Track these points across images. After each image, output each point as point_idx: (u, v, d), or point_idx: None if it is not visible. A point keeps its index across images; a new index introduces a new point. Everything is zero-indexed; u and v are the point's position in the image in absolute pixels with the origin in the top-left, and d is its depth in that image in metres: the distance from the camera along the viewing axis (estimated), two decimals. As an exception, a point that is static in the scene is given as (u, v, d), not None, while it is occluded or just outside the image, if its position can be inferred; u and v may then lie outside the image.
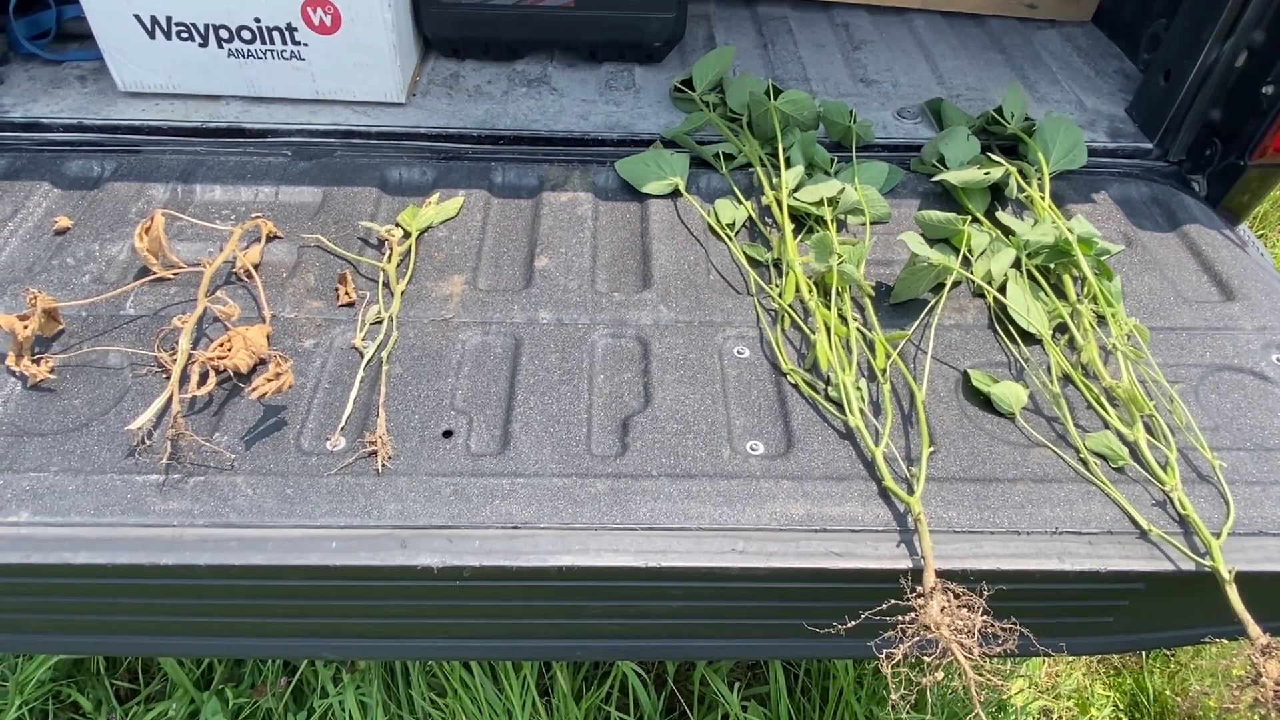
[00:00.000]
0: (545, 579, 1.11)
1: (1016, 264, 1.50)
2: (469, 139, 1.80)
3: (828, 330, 1.36)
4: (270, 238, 1.55)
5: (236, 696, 1.93)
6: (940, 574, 1.05)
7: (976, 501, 1.19)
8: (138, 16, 1.70)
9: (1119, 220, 1.70)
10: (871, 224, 1.65)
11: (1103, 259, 1.49)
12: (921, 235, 1.54)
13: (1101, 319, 1.44)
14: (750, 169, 1.75)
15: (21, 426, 1.22)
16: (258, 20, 1.71)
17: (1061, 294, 1.48)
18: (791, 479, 1.20)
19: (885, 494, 1.18)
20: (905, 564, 1.11)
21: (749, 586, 1.14)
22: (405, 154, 1.76)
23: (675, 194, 1.70)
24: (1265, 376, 1.39)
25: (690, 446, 1.24)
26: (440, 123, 1.82)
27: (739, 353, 1.39)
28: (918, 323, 1.45)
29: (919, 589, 1.03)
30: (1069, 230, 1.48)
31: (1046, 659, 2.14)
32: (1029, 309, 1.42)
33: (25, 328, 1.27)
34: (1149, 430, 1.28)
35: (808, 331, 1.40)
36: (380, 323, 1.40)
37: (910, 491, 1.18)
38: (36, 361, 1.29)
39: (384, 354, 1.35)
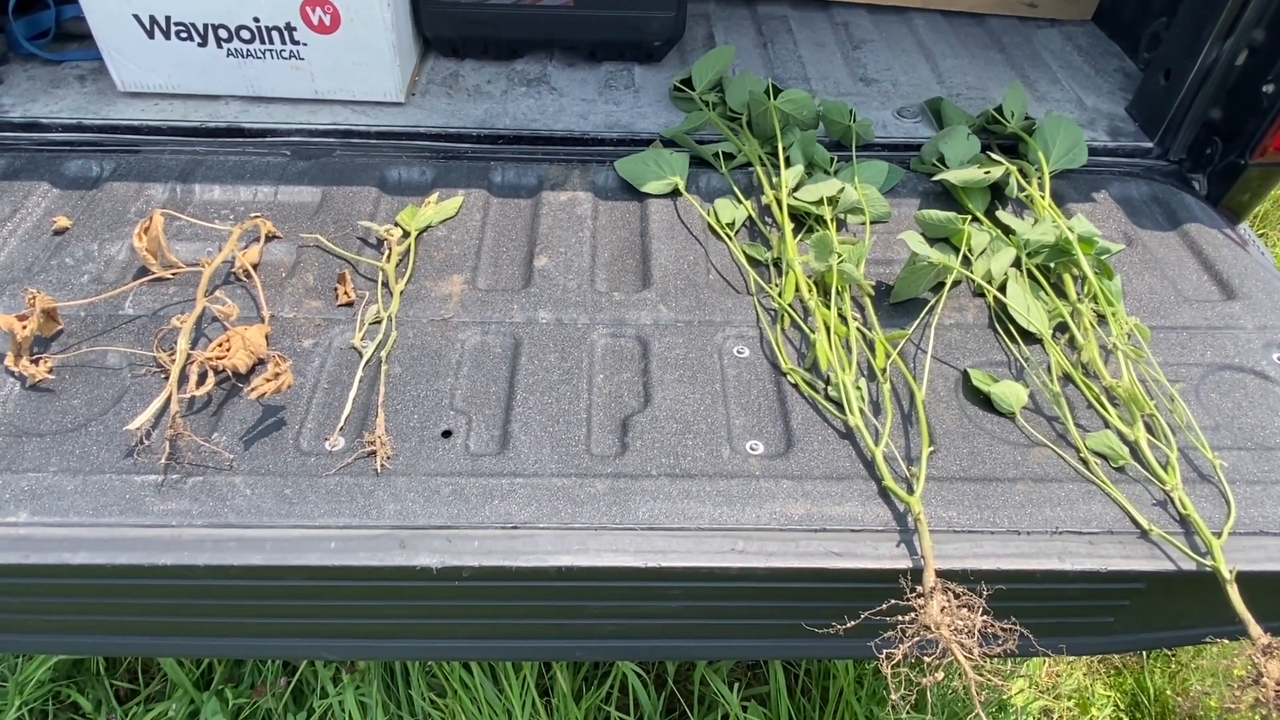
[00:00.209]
0: (544, 579, 1.11)
1: (1016, 263, 1.50)
2: (468, 138, 1.79)
3: (827, 330, 1.36)
4: (269, 237, 1.55)
5: (236, 697, 1.93)
6: (940, 574, 1.04)
7: (977, 501, 1.18)
8: (137, 16, 1.70)
9: (1119, 219, 1.70)
10: (871, 223, 1.64)
11: (1103, 258, 1.48)
12: (921, 234, 1.53)
13: (1102, 318, 1.43)
14: (750, 168, 1.75)
15: (20, 427, 1.22)
16: (257, 20, 1.71)
17: (1062, 293, 1.48)
18: (791, 479, 1.20)
19: (885, 494, 1.18)
20: (905, 564, 1.10)
21: (749, 586, 1.14)
22: (404, 153, 1.76)
23: (675, 193, 1.70)
24: (1266, 375, 1.39)
25: (690, 446, 1.24)
26: (439, 122, 1.82)
27: (739, 352, 1.39)
28: (918, 322, 1.45)
29: (919, 589, 1.03)
30: (1069, 229, 1.47)
31: (1047, 659, 2.13)
32: (1029, 308, 1.42)
33: (24, 328, 1.27)
34: (1149, 429, 1.28)
35: (807, 331, 1.40)
36: (379, 322, 1.40)
37: (910, 491, 1.17)
38: (35, 361, 1.29)
39: (383, 354, 1.35)
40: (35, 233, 1.54)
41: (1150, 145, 1.85)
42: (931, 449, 1.24)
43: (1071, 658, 2.15)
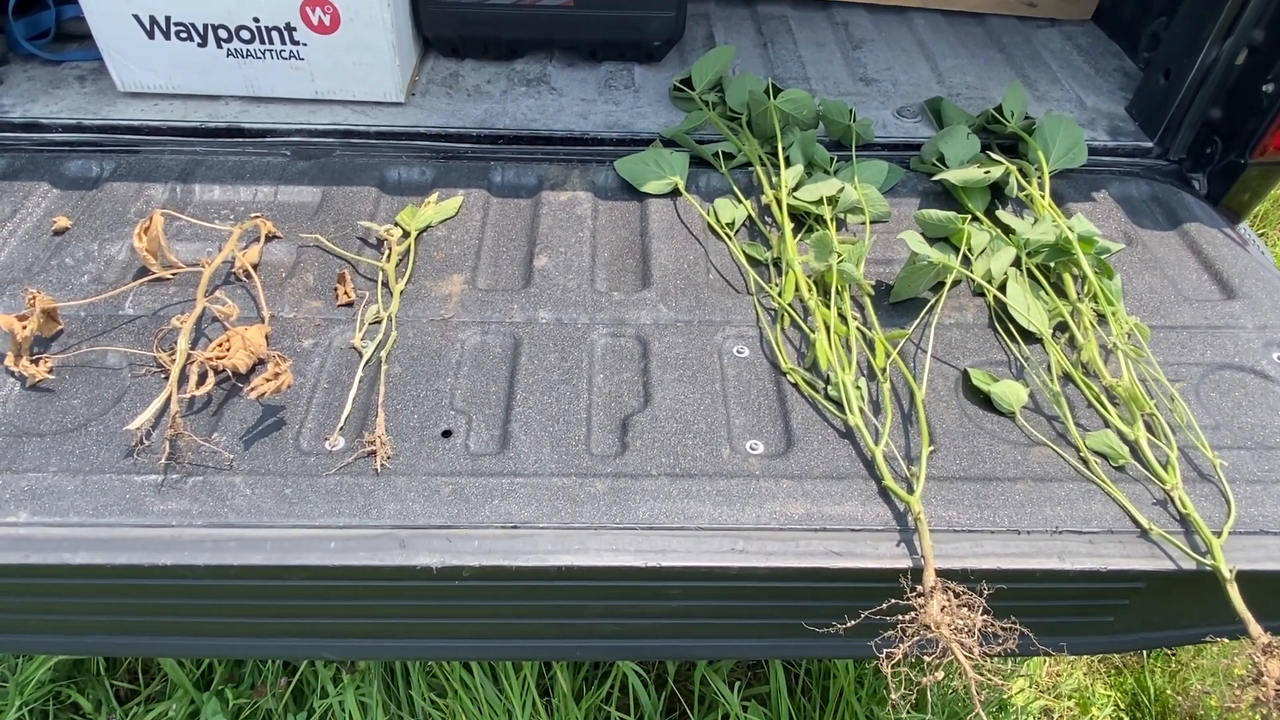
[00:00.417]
0: (544, 579, 1.11)
1: (1016, 263, 1.50)
2: (468, 138, 1.79)
3: (827, 329, 1.36)
4: (269, 237, 1.55)
5: (236, 697, 1.93)
6: (940, 573, 1.04)
7: (977, 500, 1.18)
8: (137, 16, 1.70)
9: (1119, 219, 1.70)
10: (871, 223, 1.64)
11: (1103, 257, 1.48)
12: (921, 234, 1.53)
13: (1102, 317, 1.43)
14: (750, 168, 1.75)
15: (20, 427, 1.22)
16: (256, 20, 1.71)
17: (1062, 293, 1.48)
18: (791, 478, 1.20)
19: (885, 493, 1.18)
20: (905, 563, 1.10)
21: (749, 586, 1.14)
22: (404, 153, 1.76)
23: (675, 193, 1.70)
24: (1266, 375, 1.39)
25: (690, 446, 1.24)
26: (439, 122, 1.82)
27: (738, 352, 1.39)
28: (917, 322, 1.45)
29: (919, 588, 1.03)
30: (1069, 229, 1.47)
31: (1047, 658, 2.13)
32: (1029, 308, 1.42)
33: (24, 328, 1.27)
34: (1149, 429, 1.28)
35: (807, 330, 1.40)
36: (379, 322, 1.40)
37: (910, 491, 1.17)
38: (35, 362, 1.29)
39: (383, 354, 1.35)
40: (35, 233, 1.54)
41: (1150, 145, 1.85)
42: (931, 448, 1.24)
43: (1072, 657, 2.15)
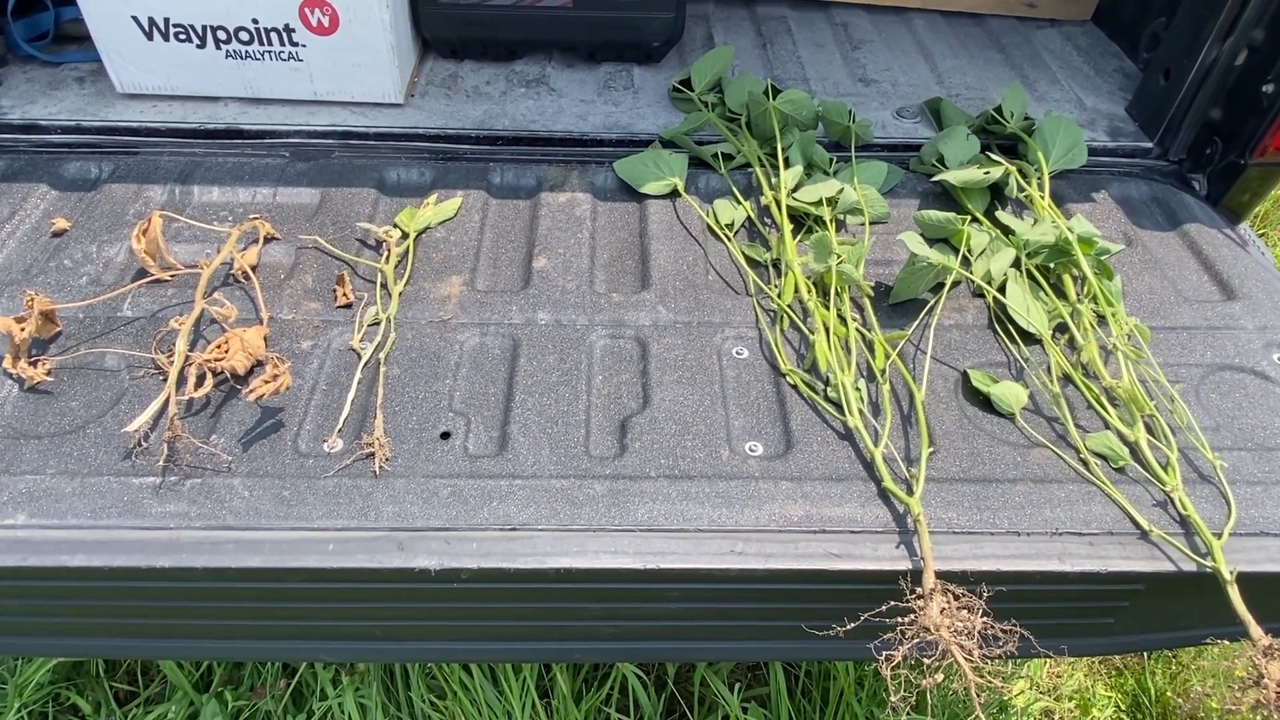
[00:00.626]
0: (543, 581, 1.11)
1: (1016, 264, 1.50)
2: (467, 139, 1.79)
3: (827, 331, 1.36)
4: (268, 239, 1.55)
5: (236, 699, 1.93)
6: (940, 575, 1.04)
7: (976, 502, 1.18)
8: (135, 18, 1.70)
9: (1119, 219, 1.70)
10: (870, 224, 1.64)
11: (1103, 258, 1.48)
12: (921, 235, 1.53)
13: (1102, 318, 1.43)
14: (749, 169, 1.75)
15: (18, 429, 1.22)
16: (255, 21, 1.70)
17: (1061, 294, 1.48)
18: (790, 480, 1.20)
19: (885, 495, 1.18)
20: (905, 565, 1.10)
21: (748, 588, 1.13)
22: (403, 155, 1.76)
23: (674, 194, 1.70)
24: (1266, 376, 1.38)
25: (689, 447, 1.23)
26: (438, 123, 1.82)
27: (738, 353, 1.39)
28: (917, 323, 1.45)
29: (919, 590, 1.03)
30: (1069, 229, 1.47)
31: (1048, 660, 2.13)
32: (1029, 309, 1.42)
33: (22, 330, 1.27)
34: (1149, 430, 1.27)
35: (807, 332, 1.40)
36: (378, 324, 1.40)
37: (910, 492, 1.17)
38: (33, 364, 1.29)
39: (382, 355, 1.34)
40: (34, 234, 1.54)
41: (1150, 145, 1.85)
42: (931, 450, 1.24)
43: (1072, 659, 2.15)
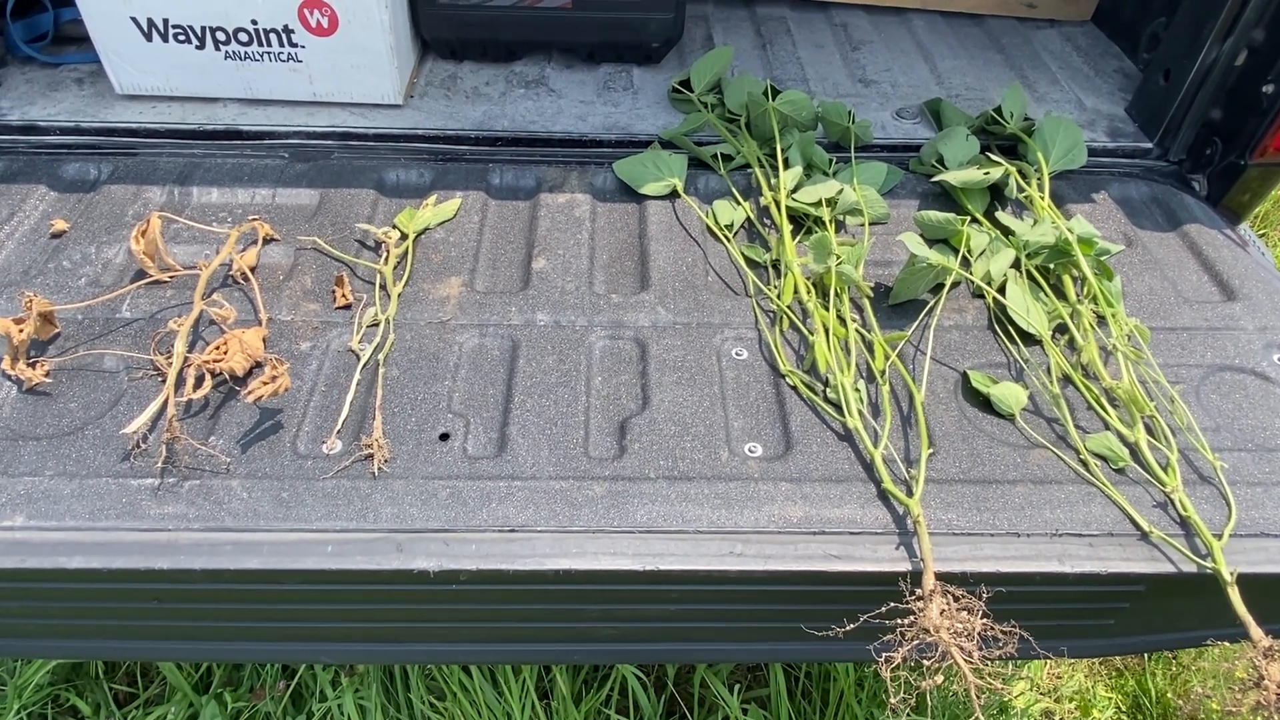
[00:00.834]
0: (543, 582, 1.10)
1: (1016, 264, 1.49)
2: (466, 140, 1.79)
3: (826, 331, 1.35)
4: (267, 240, 1.54)
5: (235, 700, 1.92)
6: (940, 576, 1.04)
7: (976, 503, 1.18)
8: (135, 19, 1.70)
9: (1119, 220, 1.70)
10: (870, 225, 1.64)
11: (1103, 259, 1.48)
12: (920, 236, 1.53)
13: (1101, 319, 1.43)
14: (748, 170, 1.75)
15: (17, 430, 1.22)
16: (255, 22, 1.70)
17: (1061, 294, 1.48)
18: (790, 481, 1.19)
19: (884, 496, 1.18)
20: (904, 566, 1.10)
21: (747, 589, 1.13)
22: (403, 156, 1.76)
23: (673, 195, 1.69)
24: (1266, 377, 1.38)
25: (688, 448, 1.23)
26: (438, 124, 1.81)
27: (737, 354, 1.38)
28: (917, 324, 1.44)
29: (918, 591, 1.03)
30: (1069, 230, 1.47)
31: (1049, 661, 2.13)
32: (1028, 309, 1.42)
33: (21, 331, 1.27)
34: (1149, 431, 1.27)
35: (806, 333, 1.40)
36: (377, 325, 1.39)
37: (909, 493, 1.17)
38: (32, 365, 1.29)
39: (380, 356, 1.34)
40: (33, 236, 1.54)
41: (1150, 146, 1.85)
42: (931, 451, 1.24)
43: (1073, 660, 2.15)
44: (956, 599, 1.01)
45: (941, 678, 0.98)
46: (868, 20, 2.28)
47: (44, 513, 1.12)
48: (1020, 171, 1.68)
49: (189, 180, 1.66)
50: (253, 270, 1.48)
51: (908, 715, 1.96)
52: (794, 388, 1.33)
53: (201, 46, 1.74)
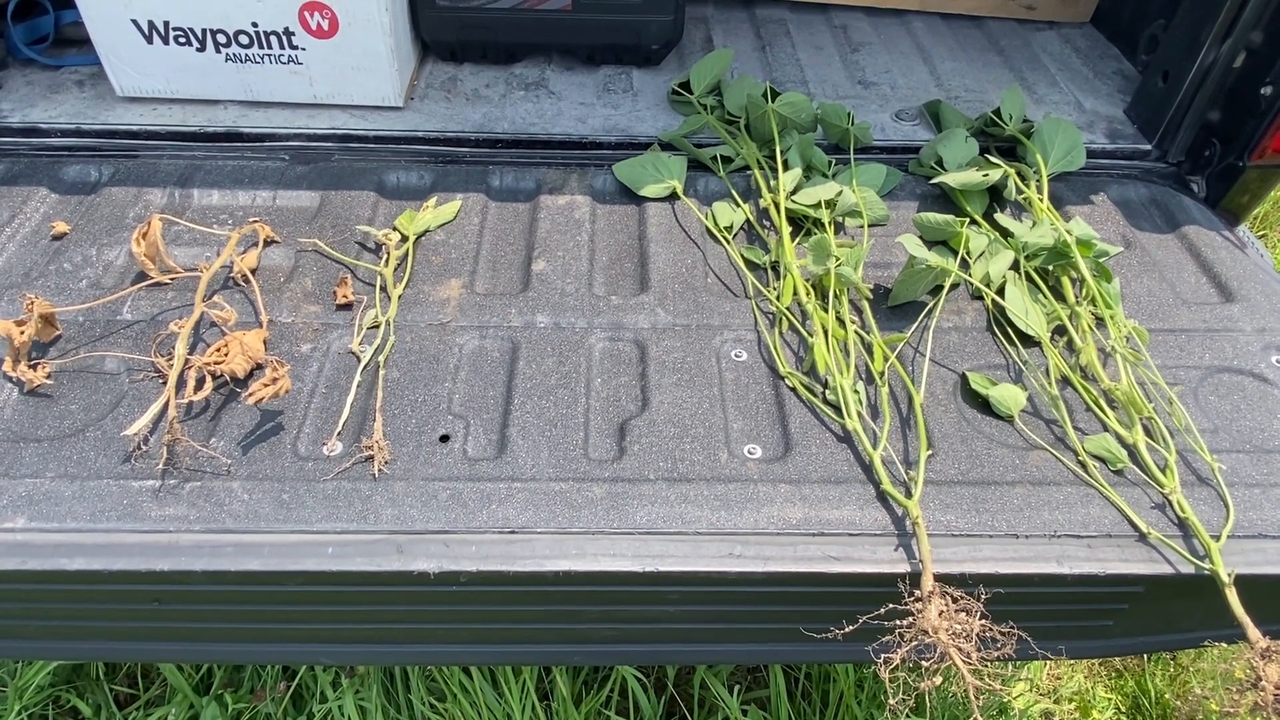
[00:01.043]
0: (542, 584, 1.11)
1: (1015, 266, 1.50)
2: (467, 142, 1.80)
3: (825, 333, 1.36)
4: (267, 242, 1.55)
5: (236, 701, 1.93)
6: (938, 578, 1.04)
7: (975, 505, 1.18)
8: (135, 21, 1.70)
9: (1118, 222, 1.70)
10: (869, 226, 1.64)
11: (1101, 261, 1.48)
12: (920, 237, 1.53)
13: (1100, 321, 1.43)
14: (748, 171, 1.75)
15: (18, 432, 1.22)
16: (255, 25, 1.71)
17: (1060, 296, 1.48)
18: (789, 482, 1.20)
19: (883, 497, 1.18)
20: (903, 568, 1.10)
21: (747, 590, 1.13)
22: (403, 158, 1.76)
23: (673, 197, 1.70)
24: (1265, 378, 1.38)
25: (688, 450, 1.24)
26: (438, 126, 1.82)
27: (736, 356, 1.39)
28: (916, 325, 1.45)
29: (917, 593, 1.03)
30: (1067, 232, 1.47)
31: (1048, 662, 2.13)
32: (1027, 311, 1.42)
33: (22, 333, 1.27)
34: (1148, 432, 1.28)
35: (805, 334, 1.40)
36: (377, 327, 1.40)
37: (908, 495, 1.17)
38: (33, 367, 1.29)
39: (381, 358, 1.34)
40: (33, 238, 1.54)
41: (1149, 147, 1.85)
42: (930, 452, 1.24)
43: (1072, 661, 2.15)
44: (955, 600, 1.01)
45: (940, 679, 0.98)
46: (867, 22, 2.29)
47: (45, 514, 1.12)
48: (1019, 173, 1.68)
49: (190, 182, 1.67)
50: (253, 272, 1.48)
51: (907, 716, 1.96)
52: (793, 389, 1.33)
53: (202, 49, 1.74)
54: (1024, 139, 1.76)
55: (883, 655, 1.01)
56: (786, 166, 1.69)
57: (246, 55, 1.75)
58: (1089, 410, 1.31)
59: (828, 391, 1.32)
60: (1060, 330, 1.44)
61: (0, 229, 1.54)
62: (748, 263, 1.56)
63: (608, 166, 1.75)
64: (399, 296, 1.45)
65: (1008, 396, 1.30)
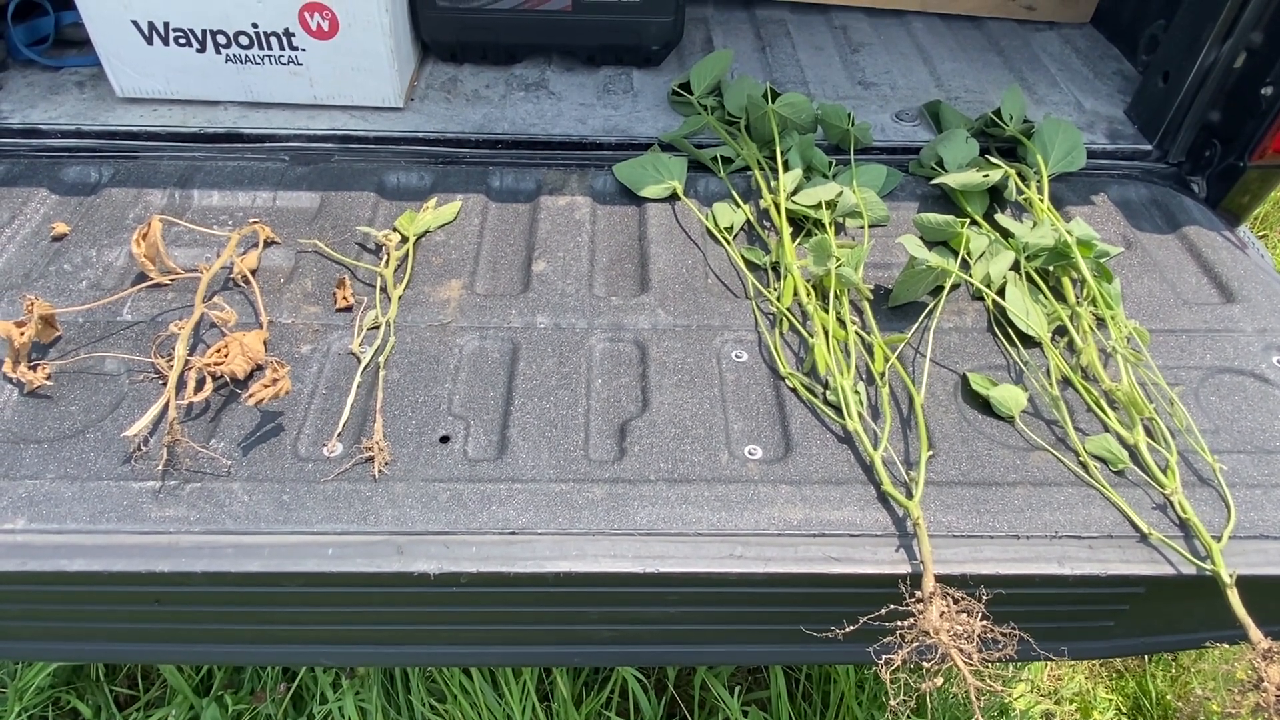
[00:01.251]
0: (543, 585, 1.11)
1: (1015, 266, 1.50)
2: (467, 143, 1.80)
3: (826, 334, 1.36)
4: (268, 243, 1.55)
5: (236, 702, 1.93)
6: (939, 579, 1.04)
7: (976, 505, 1.18)
8: (135, 22, 1.70)
9: (1118, 222, 1.70)
10: (870, 227, 1.64)
11: (1102, 261, 1.48)
12: (920, 238, 1.53)
13: (1101, 321, 1.43)
14: (748, 172, 1.75)
15: (18, 433, 1.22)
16: (255, 26, 1.71)
17: (1061, 296, 1.48)
18: (790, 483, 1.20)
19: (884, 498, 1.18)
20: (904, 569, 1.10)
21: (748, 591, 1.13)
22: (403, 158, 1.76)
23: (673, 198, 1.70)
24: (1265, 379, 1.38)
25: (688, 451, 1.23)
26: (438, 127, 1.82)
27: (737, 357, 1.39)
28: (916, 326, 1.45)
29: (918, 594, 1.03)
30: (1068, 232, 1.47)
31: (1049, 663, 2.13)
32: (1028, 312, 1.42)
33: (22, 334, 1.27)
34: (1149, 433, 1.27)
35: (806, 335, 1.40)
36: (377, 328, 1.40)
37: (909, 496, 1.17)
38: (33, 368, 1.29)
39: (381, 359, 1.34)
40: (34, 239, 1.54)
41: (1149, 148, 1.85)
42: (930, 453, 1.24)
43: (1073, 662, 2.15)
44: (956, 601, 1.01)
45: (941, 680, 0.98)
46: (867, 23, 2.29)
47: (45, 515, 1.12)
48: (1020, 174, 1.68)
49: (190, 183, 1.66)
50: (253, 273, 1.48)
51: (908, 717, 1.96)
52: (794, 390, 1.33)
53: (202, 50, 1.74)
54: (1024, 139, 1.75)
55: (884, 656, 1.01)
56: (787, 167, 1.69)
57: (246, 56, 1.75)
58: (1090, 411, 1.31)
59: (828, 392, 1.31)
60: (1061, 331, 1.44)
61: (0, 230, 1.54)
62: (748, 263, 1.56)
63: (608, 167, 1.75)
64: (399, 297, 1.45)
65: (1008, 397, 1.30)
